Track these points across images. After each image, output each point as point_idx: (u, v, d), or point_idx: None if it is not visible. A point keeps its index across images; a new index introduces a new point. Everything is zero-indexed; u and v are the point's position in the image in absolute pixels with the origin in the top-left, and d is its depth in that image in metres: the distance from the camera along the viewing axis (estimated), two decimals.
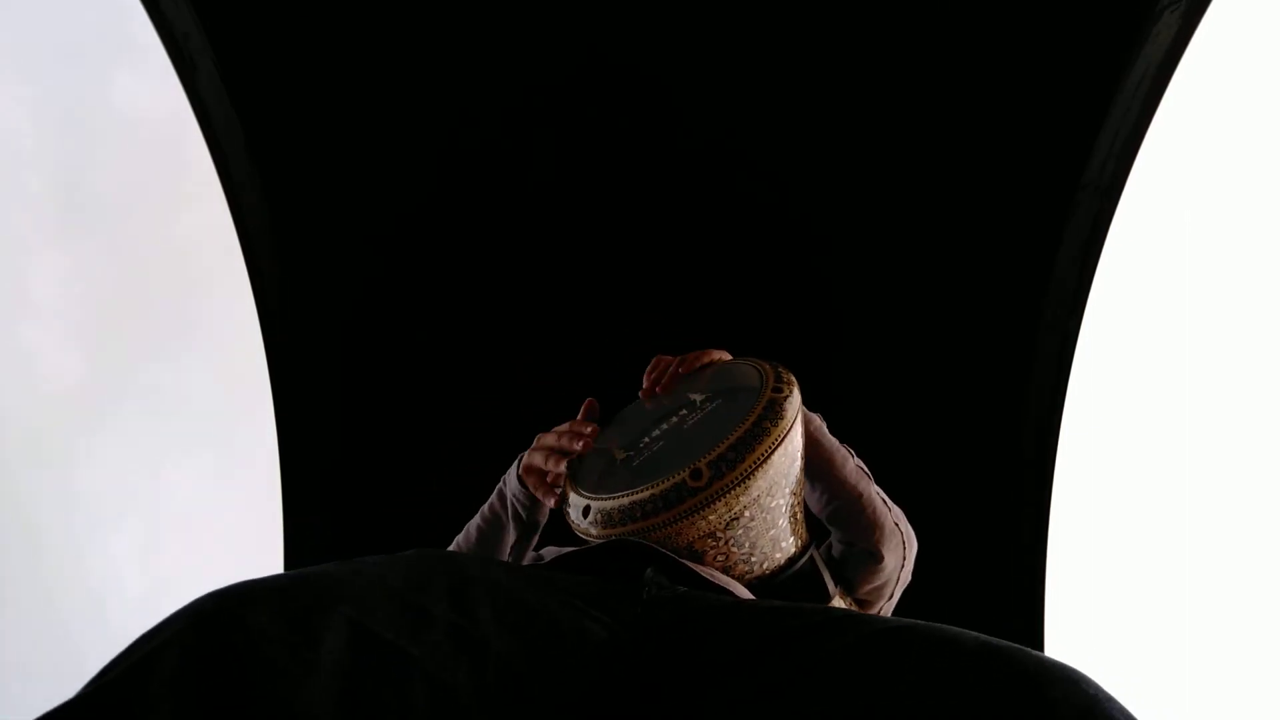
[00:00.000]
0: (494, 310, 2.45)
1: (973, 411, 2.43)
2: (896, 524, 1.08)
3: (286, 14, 2.09)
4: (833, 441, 1.08)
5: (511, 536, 1.05)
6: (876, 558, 1.06)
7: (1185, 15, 1.91)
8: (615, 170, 2.33)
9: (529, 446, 1.03)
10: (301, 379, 2.44)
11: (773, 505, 0.89)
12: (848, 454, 1.09)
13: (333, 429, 2.50)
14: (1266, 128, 3.27)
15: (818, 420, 1.09)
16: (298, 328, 2.41)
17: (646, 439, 0.95)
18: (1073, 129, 2.13)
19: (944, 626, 0.55)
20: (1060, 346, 2.35)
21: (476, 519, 1.09)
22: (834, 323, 2.44)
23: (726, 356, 1.08)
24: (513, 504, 1.04)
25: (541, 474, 0.98)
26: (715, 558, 0.88)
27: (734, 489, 0.83)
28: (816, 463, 1.06)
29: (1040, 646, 2.50)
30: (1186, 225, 3.49)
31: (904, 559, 1.10)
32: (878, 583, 1.08)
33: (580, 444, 0.96)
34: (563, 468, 0.96)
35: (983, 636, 0.52)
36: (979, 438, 2.44)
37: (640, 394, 1.07)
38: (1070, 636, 2.77)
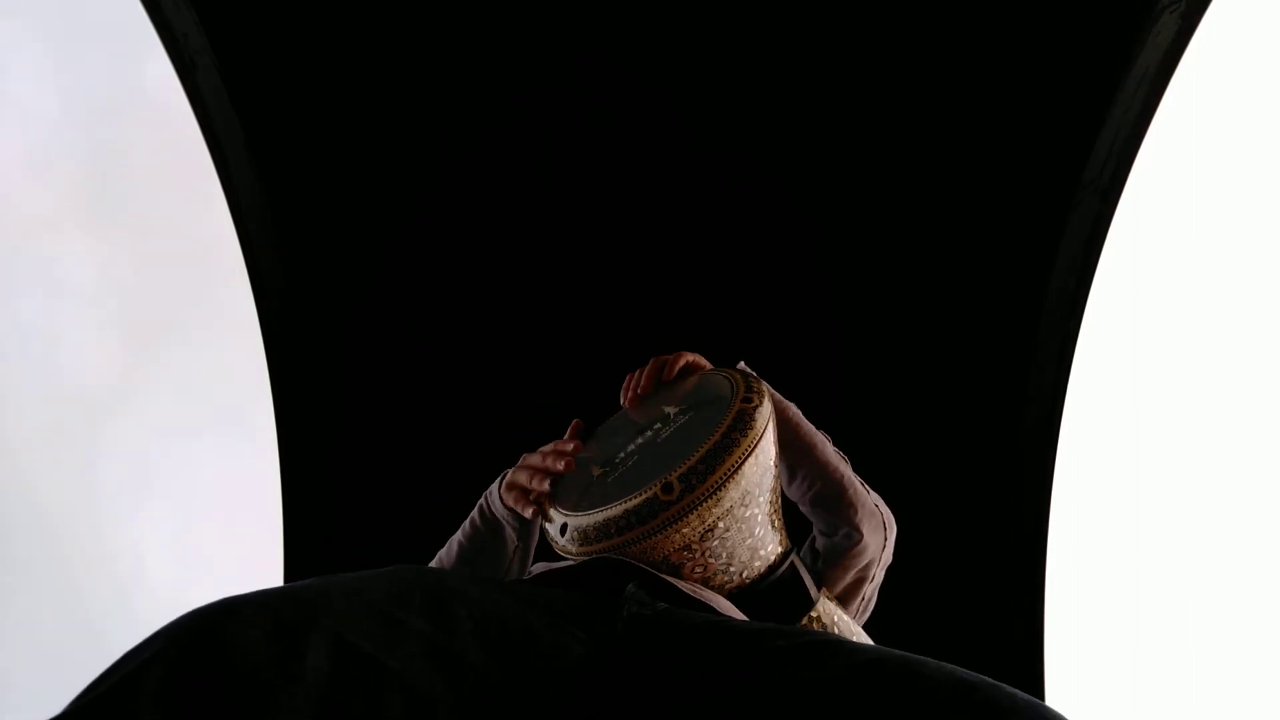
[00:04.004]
0: (495, 309, 2.45)
1: (972, 411, 2.43)
2: (876, 505, 1.12)
3: (286, 14, 2.10)
4: (810, 427, 1.11)
5: (504, 555, 1.05)
6: (857, 536, 1.09)
7: (1185, 15, 1.91)
8: (616, 172, 2.34)
9: (516, 463, 1.04)
10: (301, 378, 2.44)
11: (747, 515, 0.90)
12: (826, 439, 1.13)
13: (333, 428, 2.50)
14: (1267, 128, 3.27)
15: (794, 409, 1.12)
16: (298, 326, 2.41)
17: (622, 454, 0.95)
18: (1073, 129, 2.13)
19: (921, 659, 0.55)
20: (1060, 346, 2.35)
21: (458, 535, 1.10)
22: (833, 324, 2.44)
23: (701, 360, 1.09)
24: (504, 523, 1.04)
25: (524, 490, 0.99)
26: (693, 570, 0.88)
27: (706, 501, 0.83)
28: (797, 449, 1.09)
29: (1039, 650, 2.50)
30: (1187, 225, 3.49)
31: (885, 539, 1.13)
32: (861, 563, 1.10)
33: (563, 464, 0.97)
34: (545, 485, 0.96)
35: (959, 672, 0.52)
36: (979, 437, 2.45)
37: (623, 402, 1.09)
38: (1070, 638, 2.77)
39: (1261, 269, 3.46)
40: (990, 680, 0.51)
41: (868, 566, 1.12)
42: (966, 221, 2.30)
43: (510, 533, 1.04)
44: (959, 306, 2.37)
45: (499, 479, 1.06)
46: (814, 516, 1.14)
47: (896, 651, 0.56)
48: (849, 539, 1.09)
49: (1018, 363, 2.37)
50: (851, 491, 1.09)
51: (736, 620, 0.80)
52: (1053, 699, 2.49)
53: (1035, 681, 2.48)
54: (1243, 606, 3.58)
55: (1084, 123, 2.12)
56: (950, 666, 0.53)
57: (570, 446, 0.99)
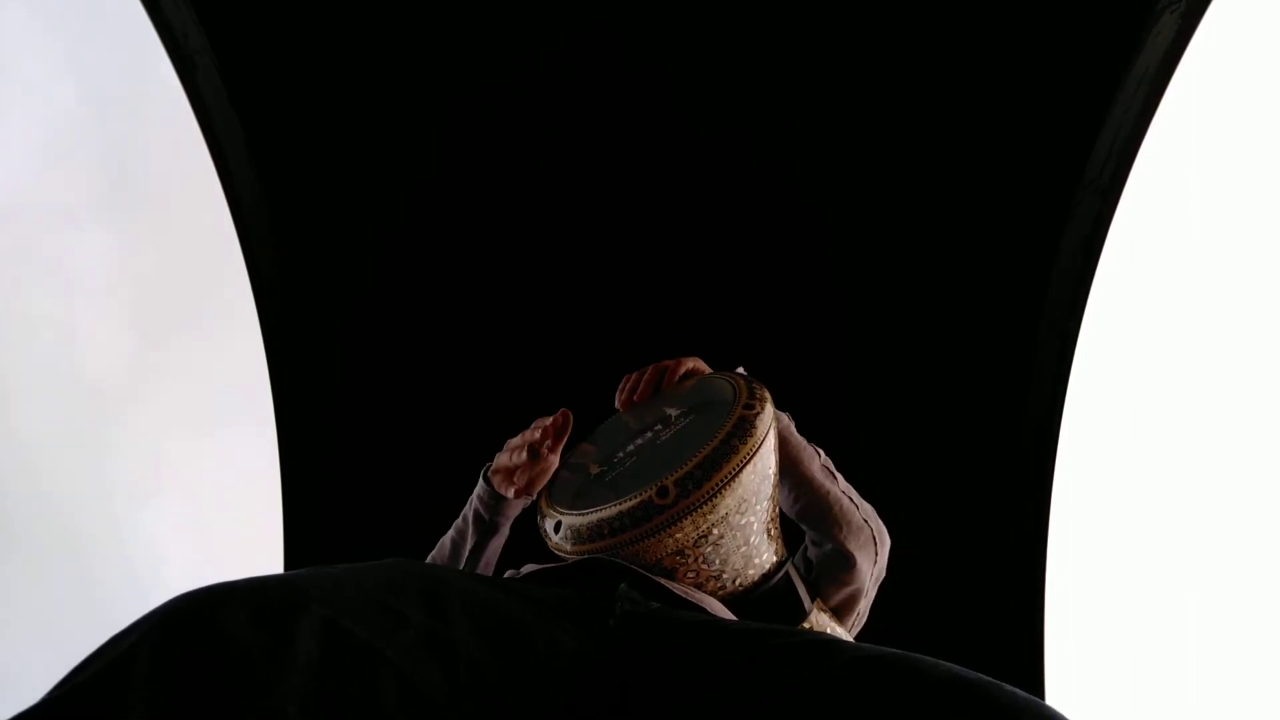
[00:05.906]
0: (494, 306, 2.45)
1: (973, 411, 2.43)
2: (866, 520, 1.10)
3: (286, 13, 2.10)
4: (800, 440, 1.10)
5: (472, 541, 1.05)
6: (846, 555, 1.08)
7: (1185, 15, 1.91)
8: (616, 166, 2.33)
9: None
10: (301, 377, 2.44)
11: (743, 523, 0.89)
12: (815, 453, 1.11)
13: (332, 426, 2.50)
14: (1267, 127, 3.27)
15: (785, 419, 1.10)
16: (298, 325, 2.41)
17: (620, 454, 0.95)
18: (1073, 129, 2.13)
19: (919, 657, 0.54)
20: (1060, 347, 2.35)
21: (450, 532, 1.10)
22: (835, 325, 2.43)
23: (703, 366, 1.09)
24: (475, 503, 1.04)
25: (508, 470, 1.00)
26: (686, 574, 0.88)
27: (701, 507, 0.82)
28: (784, 461, 1.07)
29: (1039, 650, 2.50)
30: (1187, 225, 3.49)
31: (876, 555, 1.11)
32: (852, 583, 1.09)
33: (539, 433, 0.97)
34: (523, 458, 0.97)
35: (959, 670, 0.52)
36: (979, 438, 2.44)
37: (618, 406, 1.09)
38: (1069, 639, 2.77)
39: (1261, 268, 3.46)
40: (990, 679, 0.51)
41: (858, 585, 1.10)
42: (967, 221, 2.30)
43: (480, 508, 1.04)
44: (959, 306, 2.37)
45: (483, 470, 1.07)
46: (802, 527, 1.13)
47: (896, 650, 0.56)
48: (840, 556, 1.08)
49: (1018, 363, 2.37)
50: (836, 510, 1.07)
51: (733, 620, 0.79)
52: (1053, 699, 2.49)
53: (1035, 681, 2.48)
54: (1242, 605, 3.58)
55: (1084, 122, 2.12)
56: (950, 665, 0.53)
57: (549, 421, 0.99)
